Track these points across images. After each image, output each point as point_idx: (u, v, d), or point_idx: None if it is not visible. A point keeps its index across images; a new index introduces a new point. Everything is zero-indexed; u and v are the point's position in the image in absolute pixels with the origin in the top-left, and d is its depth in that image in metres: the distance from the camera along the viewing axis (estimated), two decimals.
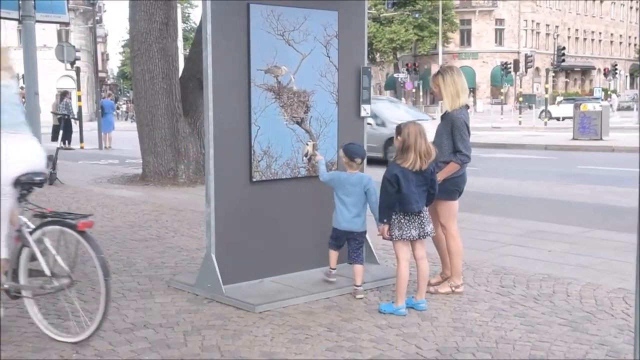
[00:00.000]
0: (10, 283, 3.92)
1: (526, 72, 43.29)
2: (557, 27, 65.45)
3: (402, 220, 4.31)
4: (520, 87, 42.86)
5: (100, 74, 43.60)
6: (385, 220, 4.31)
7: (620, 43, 77.62)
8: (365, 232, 4.78)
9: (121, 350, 3.67)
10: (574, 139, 20.23)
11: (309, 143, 5.05)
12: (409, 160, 4.23)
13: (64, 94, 20.93)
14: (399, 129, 4.38)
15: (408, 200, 4.26)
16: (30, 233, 3.83)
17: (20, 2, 14.92)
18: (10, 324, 4.08)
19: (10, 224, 3.97)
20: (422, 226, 4.35)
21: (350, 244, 4.70)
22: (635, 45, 77.39)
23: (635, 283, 2.34)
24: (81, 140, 20.93)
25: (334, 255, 4.83)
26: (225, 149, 4.64)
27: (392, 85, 58.64)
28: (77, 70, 21.72)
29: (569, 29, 68.90)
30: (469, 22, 60.01)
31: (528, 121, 31.81)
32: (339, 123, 5.17)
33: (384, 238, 4.40)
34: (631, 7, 76.94)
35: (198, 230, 7.02)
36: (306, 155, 5.05)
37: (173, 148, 10.97)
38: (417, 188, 4.30)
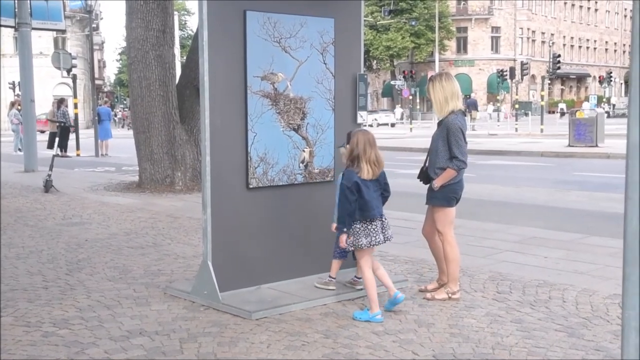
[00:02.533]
0: None
1: (522, 79, 43.49)
2: (552, 34, 65.76)
3: (369, 227, 4.31)
4: (517, 94, 43.00)
5: (97, 82, 43.54)
6: (345, 229, 4.30)
7: (615, 51, 77.99)
8: None
9: (117, 358, 3.66)
10: (569, 145, 20.28)
11: (305, 150, 5.05)
12: (363, 170, 4.26)
13: (60, 102, 20.90)
14: (349, 136, 4.42)
15: (369, 207, 4.27)
16: None
17: (16, 9, 14.97)
18: (5, 332, 4.06)
19: None
20: (385, 231, 4.37)
21: None
22: (630, 52, 77.59)
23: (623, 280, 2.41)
24: (77, 148, 20.91)
25: (338, 264, 4.83)
26: (222, 155, 4.65)
27: (389, 93, 58.80)
28: (74, 78, 21.72)
29: (564, 36, 69.23)
30: (465, 29, 60.26)
31: (524, 128, 31.90)
32: (335, 130, 5.18)
33: (342, 247, 4.39)
34: (625, 16, 77.31)
35: (194, 238, 7.01)
36: (303, 161, 5.05)
37: (170, 155, 10.96)
38: (375, 193, 4.33)
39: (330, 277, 4.85)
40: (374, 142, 4.33)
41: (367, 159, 4.25)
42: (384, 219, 4.39)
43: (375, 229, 4.32)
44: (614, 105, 51.69)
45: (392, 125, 44.17)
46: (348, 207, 4.24)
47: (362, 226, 4.30)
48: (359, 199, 4.25)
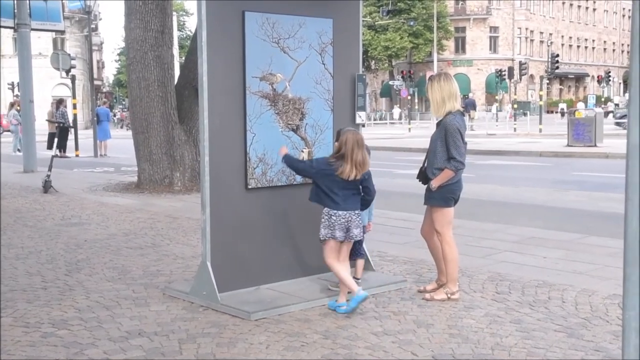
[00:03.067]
0: None
1: (520, 79, 43.48)
2: (550, 34, 65.77)
3: (332, 220, 4.37)
4: (515, 94, 43.01)
5: (96, 82, 43.54)
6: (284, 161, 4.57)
7: (614, 50, 78.04)
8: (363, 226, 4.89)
9: (116, 358, 3.65)
10: (568, 145, 20.29)
11: (304, 150, 5.05)
12: (345, 171, 4.30)
13: (59, 102, 20.89)
14: (339, 134, 4.47)
15: (325, 197, 4.38)
16: None
17: (15, 10, 14.96)
18: (4, 333, 4.06)
19: None
20: (349, 230, 4.40)
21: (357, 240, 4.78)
22: (628, 52, 77.66)
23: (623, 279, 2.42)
24: (76, 148, 20.90)
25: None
26: (221, 156, 4.65)
27: (388, 93, 58.79)
28: (73, 78, 21.71)
29: (562, 36, 69.27)
30: (463, 29, 60.26)
31: (523, 128, 31.91)
32: (334, 130, 5.17)
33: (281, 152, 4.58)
34: (624, 15, 77.41)
35: (193, 238, 7.01)
36: None
37: (168, 155, 10.95)
38: (342, 190, 4.36)
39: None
40: (362, 143, 4.38)
41: (354, 160, 4.30)
42: (352, 217, 4.40)
43: (339, 224, 4.36)
44: (617, 105, 50.63)
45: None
46: (301, 166, 4.53)
47: (326, 217, 4.38)
48: (318, 189, 4.41)
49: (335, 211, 4.38)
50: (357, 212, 4.46)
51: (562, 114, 45.17)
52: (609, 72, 51.21)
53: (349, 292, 4.42)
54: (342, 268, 4.43)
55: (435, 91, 4.72)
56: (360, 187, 4.47)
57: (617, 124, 31.35)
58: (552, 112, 54.75)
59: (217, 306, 4.50)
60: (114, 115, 50.89)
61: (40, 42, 40.08)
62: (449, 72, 5.18)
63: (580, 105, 40.39)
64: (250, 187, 4.80)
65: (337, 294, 4.60)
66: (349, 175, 4.31)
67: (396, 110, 53.85)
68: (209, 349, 3.78)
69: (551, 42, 60.87)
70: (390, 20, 53.21)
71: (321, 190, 4.42)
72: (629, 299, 2.42)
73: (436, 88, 4.72)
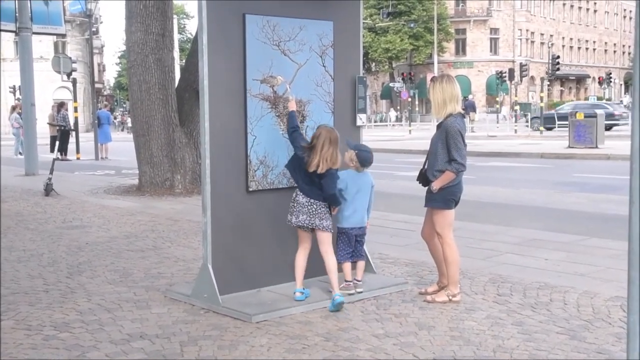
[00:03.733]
0: None
1: (521, 80, 43.48)
2: (551, 36, 65.80)
3: (294, 205, 4.58)
4: (516, 95, 43.00)
5: (97, 85, 43.51)
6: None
7: (615, 52, 78.03)
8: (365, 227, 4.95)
9: None
10: (569, 147, 20.29)
11: None
12: (312, 164, 4.46)
13: (60, 105, 20.91)
14: (317, 128, 4.62)
15: (296, 182, 4.58)
16: None
17: (17, 14, 14.99)
18: (5, 336, 4.06)
19: None
20: (311, 217, 4.53)
21: (358, 241, 4.86)
22: (629, 53, 77.79)
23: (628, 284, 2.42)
24: (77, 151, 20.92)
25: (348, 266, 4.85)
26: (222, 158, 4.65)
27: (388, 95, 58.83)
28: (74, 82, 21.72)
29: (563, 38, 69.28)
30: (463, 31, 60.29)
31: (524, 130, 31.90)
32: None
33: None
34: (625, 16, 77.43)
35: (194, 241, 7.01)
36: None
37: (169, 158, 10.96)
38: (304, 183, 4.53)
39: (346, 281, 4.83)
40: (336, 141, 4.51)
41: (322, 155, 4.44)
42: (312, 206, 4.53)
43: (300, 209, 4.55)
44: (628, 106, 49.58)
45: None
46: (291, 136, 4.63)
47: (292, 202, 4.60)
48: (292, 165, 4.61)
49: (299, 193, 4.57)
50: (320, 202, 4.57)
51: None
52: (610, 73, 51.20)
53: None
54: (298, 261, 4.65)
55: (436, 92, 4.72)
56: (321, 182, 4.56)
57: None
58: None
59: (218, 309, 4.50)
60: (115, 119, 50.90)
61: (42, 46, 40.09)
62: (451, 74, 5.18)
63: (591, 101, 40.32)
64: (251, 189, 4.80)
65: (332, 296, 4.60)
66: (313, 168, 4.45)
67: (392, 113, 53.86)
68: (210, 352, 3.78)
69: (552, 44, 60.92)
70: (391, 23, 53.26)
71: (296, 167, 4.59)
72: (632, 302, 2.42)
73: (438, 89, 4.72)
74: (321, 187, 4.53)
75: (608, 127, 26.49)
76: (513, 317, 4.40)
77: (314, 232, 4.61)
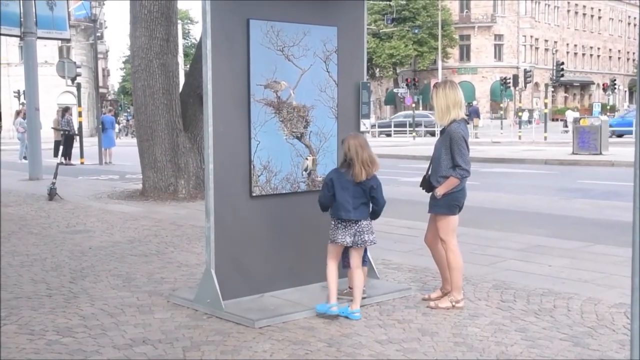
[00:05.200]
0: None
1: (525, 87, 43.46)
2: (555, 42, 65.81)
3: (338, 225, 4.47)
4: (520, 102, 42.98)
5: (101, 90, 43.69)
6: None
7: (619, 58, 77.98)
8: None
9: None
10: (573, 153, 20.25)
11: (308, 158, 5.06)
12: (357, 174, 4.39)
13: (65, 110, 20.98)
14: (343, 141, 4.56)
15: (339, 207, 4.43)
16: None
17: (21, 18, 15.06)
18: (8, 340, 4.06)
19: None
20: (359, 235, 4.46)
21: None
22: (633, 60, 77.78)
23: (632, 291, 2.41)
24: (81, 156, 20.96)
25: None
26: (225, 163, 4.65)
27: (392, 100, 58.83)
28: (78, 86, 21.80)
29: (567, 44, 69.28)
30: (468, 37, 60.35)
31: (528, 136, 31.87)
32: (338, 138, 5.18)
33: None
34: (629, 23, 77.41)
35: (198, 246, 7.01)
36: (306, 169, 5.05)
37: (173, 163, 10.97)
38: (354, 199, 4.42)
39: (350, 287, 4.81)
40: (366, 144, 4.47)
41: (361, 161, 4.37)
42: (360, 224, 4.46)
43: (346, 230, 4.44)
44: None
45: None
46: (322, 199, 4.52)
47: (334, 222, 4.48)
48: (332, 198, 4.45)
49: (339, 217, 4.45)
50: (367, 220, 4.52)
51: (565, 124, 44.84)
52: (614, 80, 51.14)
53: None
54: (332, 275, 4.51)
55: (440, 98, 4.73)
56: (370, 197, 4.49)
57: None
58: (557, 119, 54.63)
59: (221, 314, 4.49)
60: (118, 123, 50.99)
61: (46, 50, 40.28)
62: (453, 80, 5.17)
63: (569, 113, 40.44)
64: (254, 194, 4.80)
65: (342, 302, 4.59)
66: (358, 177, 4.37)
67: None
68: (213, 357, 3.77)
69: (556, 50, 60.93)
70: (395, 28, 53.33)
71: (341, 192, 4.45)
72: (636, 309, 2.41)
73: (441, 95, 4.73)
74: (368, 202, 4.48)
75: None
76: (516, 323, 4.38)
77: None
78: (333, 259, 4.54)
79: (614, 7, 75.48)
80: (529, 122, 42.70)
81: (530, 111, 44.88)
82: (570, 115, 41.51)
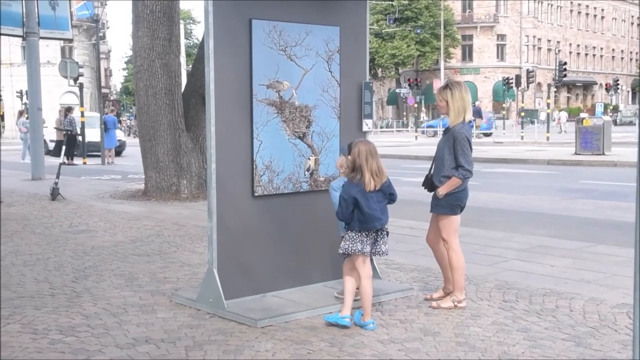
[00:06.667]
0: None
1: (528, 87, 43.38)
2: (558, 42, 65.70)
3: (359, 236, 4.27)
4: (522, 102, 42.91)
5: (104, 90, 43.70)
6: (342, 235, 4.38)
7: (622, 58, 77.84)
8: None
9: None
10: (576, 153, 20.22)
11: (310, 157, 5.06)
12: (366, 183, 4.21)
13: (68, 110, 21.01)
14: (350, 147, 4.38)
15: (370, 219, 4.23)
16: None
17: (24, 18, 15.08)
18: (11, 340, 4.07)
19: None
20: (377, 245, 4.33)
21: None
22: (636, 60, 77.66)
23: (634, 292, 2.40)
24: (84, 156, 20.99)
25: None
26: (227, 163, 4.66)
27: (394, 101, 58.82)
28: (81, 86, 21.84)
29: (570, 44, 69.18)
30: (470, 37, 60.30)
31: (530, 136, 31.85)
32: (340, 138, 5.18)
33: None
34: (632, 23, 77.26)
35: (200, 245, 7.02)
36: (308, 169, 5.06)
37: (175, 163, 10.99)
38: (379, 204, 4.28)
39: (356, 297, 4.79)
40: (375, 153, 4.30)
41: (370, 170, 4.22)
42: (382, 232, 4.34)
43: (367, 239, 4.28)
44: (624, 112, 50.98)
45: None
46: (341, 216, 4.27)
47: (357, 234, 4.27)
48: (358, 213, 4.22)
49: (370, 229, 4.29)
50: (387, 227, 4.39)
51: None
52: (617, 80, 51.10)
53: (353, 308, 4.37)
54: (350, 288, 4.35)
55: (457, 100, 4.68)
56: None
57: None
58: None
59: (223, 313, 4.50)
60: (120, 123, 51.02)
61: (49, 51, 40.31)
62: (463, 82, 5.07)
63: (563, 114, 40.44)
64: (256, 194, 4.81)
65: (338, 301, 4.58)
66: (369, 187, 4.22)
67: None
68: (215, 356, 3.78)
69: (559, 50, 60.81)
70: (397, 28, 53.31)
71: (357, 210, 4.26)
72: (638, 309, 2.41)
73: (457, 97, 4.68)
74: (386, 207, 4.36)
75: None
76: (519, 323, 4.38)
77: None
78: (353, 271, 4.35)
79: (617, 6, 75.35)
80: (553, 120, 42.26)
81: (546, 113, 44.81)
82: (563, 116, 41.57)
